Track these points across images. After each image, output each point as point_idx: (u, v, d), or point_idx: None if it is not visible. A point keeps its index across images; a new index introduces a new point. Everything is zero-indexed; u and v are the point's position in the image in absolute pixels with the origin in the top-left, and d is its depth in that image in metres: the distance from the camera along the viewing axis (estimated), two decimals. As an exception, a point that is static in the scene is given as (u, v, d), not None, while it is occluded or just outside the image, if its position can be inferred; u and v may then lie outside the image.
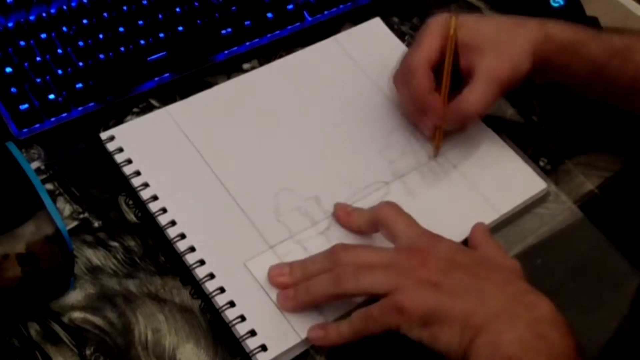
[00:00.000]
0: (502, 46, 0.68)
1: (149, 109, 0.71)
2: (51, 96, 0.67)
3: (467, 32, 0.68)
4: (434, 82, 0.68)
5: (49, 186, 0.65)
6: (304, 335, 0.58)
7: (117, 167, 0.65)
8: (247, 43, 0.75)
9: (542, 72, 0.70)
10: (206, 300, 0.60)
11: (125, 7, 0.73)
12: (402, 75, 0.69)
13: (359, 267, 0.57)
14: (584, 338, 0.55)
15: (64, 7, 0.72)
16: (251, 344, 0.57)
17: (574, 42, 0.68)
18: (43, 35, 0.70)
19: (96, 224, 0.63)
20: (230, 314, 0.58)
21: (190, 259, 0.61)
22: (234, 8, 0.76)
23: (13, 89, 0.67)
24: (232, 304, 0.59)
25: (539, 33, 0.68)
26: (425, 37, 0.68)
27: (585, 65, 0.68)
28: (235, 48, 0.75)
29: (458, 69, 0.69)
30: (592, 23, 0.85)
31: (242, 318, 0.58)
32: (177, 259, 0.61)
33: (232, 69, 0.75)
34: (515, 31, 0.69)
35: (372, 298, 0.57)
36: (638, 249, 0.72)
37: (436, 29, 0.68)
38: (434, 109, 0.68)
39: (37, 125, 0.67)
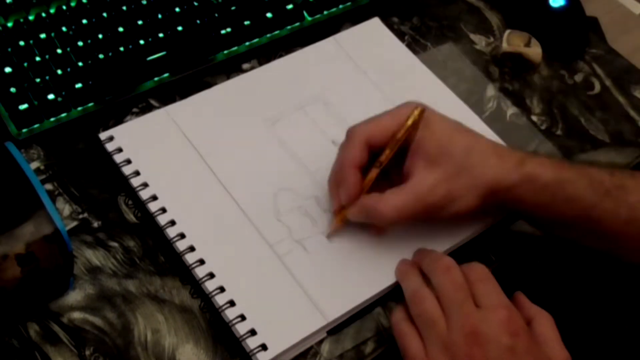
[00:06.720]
0: (454, 171, 0.60)
1: (149, 109, 0.71)
2: (50, 96, 0.67)
3: (430, 134, 0.61)
4: (364, 159, 0.61)
5: (49, 186, 0.64)
6: (304, 335, 0.58)
7: (116, 167, 0.65)
8: (247, 43, 0.75)
9: (515, 212, 0.64)
10: (206, 299, 0.60)
11: (124, 7, 0.73)
12: (344, 139, 0.63)
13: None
14: (586, 337, 0.55)
15: (63, 7, 0.72)
16: (251, 343, 0.57)
17: (559, 181, 0.61)
18: (42, 35, 0.70)
19: (95, 224, 0.63)
20: (230, 314, 0.58)
21: (190, 258, 0.61)
22: (233, 8, 0.76)
23: (12, 89, 0.67)
24: (232, 303, 0.58)
25: (514, 174, 0.61)
26: (387, 114, 0.62)
27: (571, 206, 0.61)
28: (235, 48, 0.75)
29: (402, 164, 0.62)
30: (592, 23, 0.85)
31: (242, 317, 0.58)
32: (176, 258, 0.61)
33: (231, 69, 0.75)
34: (483, 163, 0.61)
35: None
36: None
37: (403, 112, 0.61)
38: (348, 185, 0.61)
39: (37, 125, 0.67)
